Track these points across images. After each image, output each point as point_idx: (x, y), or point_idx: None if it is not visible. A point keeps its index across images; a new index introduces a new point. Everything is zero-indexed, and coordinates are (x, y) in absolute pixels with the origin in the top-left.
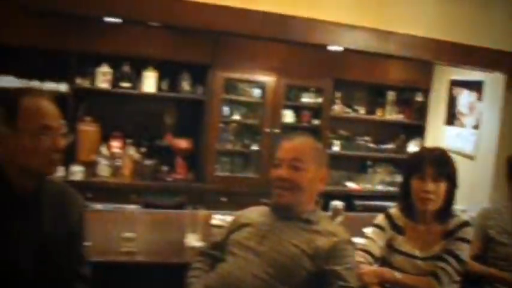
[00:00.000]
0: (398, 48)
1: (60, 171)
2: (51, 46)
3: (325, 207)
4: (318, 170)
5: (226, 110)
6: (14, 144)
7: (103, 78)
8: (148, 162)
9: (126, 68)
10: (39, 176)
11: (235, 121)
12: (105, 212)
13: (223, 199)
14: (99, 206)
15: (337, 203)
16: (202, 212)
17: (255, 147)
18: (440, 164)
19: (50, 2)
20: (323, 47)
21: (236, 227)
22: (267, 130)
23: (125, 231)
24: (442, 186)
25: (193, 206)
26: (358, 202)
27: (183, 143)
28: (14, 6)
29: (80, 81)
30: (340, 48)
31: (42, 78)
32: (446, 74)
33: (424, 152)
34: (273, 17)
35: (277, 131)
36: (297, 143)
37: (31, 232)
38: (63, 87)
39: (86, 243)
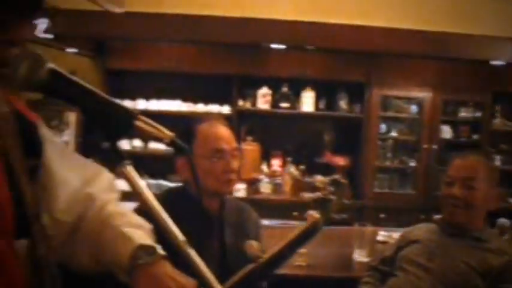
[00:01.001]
0: None
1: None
2: (216, 71)
3: (491, 225)
4: (490, 188)
5: (383, 127)
6: (191, 168)
7: (263, 99)
8: (308, 179)
9: (285, 89)
10: (219, 195)
11: (392, 138)
12: (272, 227)
13: (382, 215)
14: (265, 222)
15: (504, 221)
16: (368, 228)
17: (412, 164)
18: None
19: (222, 36)
20: (484, 62)
21: (405, 243)
22: (425, 146)
23: None
24: None
25: (360, 222)
26: None
27: (341, 160)
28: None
29: (242, 103)
30: (502, 63)
31: (206, 102)
32: None
33: None
34: (432, 35)
35: (435, 147)
36: (470, 162)
37: (215, 245)
38: (226, 109)
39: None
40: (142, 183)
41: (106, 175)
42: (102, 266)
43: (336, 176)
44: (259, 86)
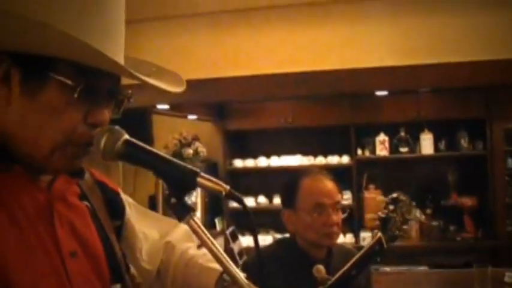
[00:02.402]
0: None
1: (349, 238)
2: (332, 123)
3: None
4: None
5: (510, 161)
6: (295, 221)
7: (381, 146)
8: (434, 222)
9: (402, 134)
10: (323, 247)
11: None
12: (393, 273)
13: None
14: (387, 269)
15: None
16: (491, 270)
17: None
18: None
19: (334, 88)
20: None
21: None
22: None
23: None
24: None
25: (481, 264)
26: None
27: (468, 201)
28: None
29: (361, 152)
30: None
31: (325, 154)
32: None
33: None
34: None
35: None
36: None
37: None
38: (345, 159)
39: None
40: (206, 232)
41: (182, 227)
42: None
43: (395, 195)
44: (376, 133)
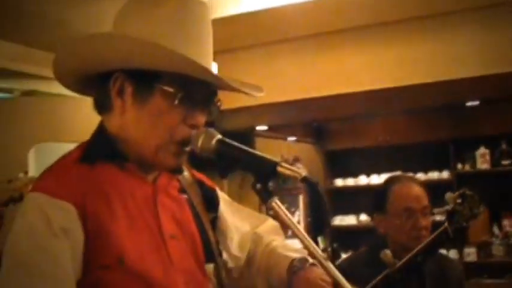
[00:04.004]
0: None
1: (452, 254)
2: (430, 138)
3: None
4: None
5: None
6: (386, 225)
7: (482, 159)
8: None
9: (504, 146)
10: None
11: None
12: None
13: None
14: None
15: None
16: None
17: None
18: None
19: (429, 101)
20: None
21: None
22: None
23: None
24: None
25: None
26: None
27: None
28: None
29: (461, 167)
30: None
31: (426, 170)
32: None
33: None
34: None
35: None
36: None
37: None
38: (445, 174)
39: None
40: (289, 215)
41: (271, 222)
42: None
43: (463, 190)
44: (476, 147)
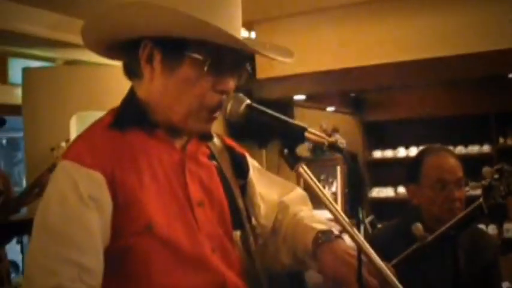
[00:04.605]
0: None
1: (491, 229)
2: (472, 111)
3: None
4: None
5: None
6: (419, 195)
7: None
8: None
9: None
10: (445, 221)
11: None
12: None
13: None
14: None
15: None
16: None
17: None
18: None
19: (472, 72)
20: None
21: None
22: None
23: None
24: None
25: None
26: None
27: None
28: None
29: (503, 141)
30: None
31: (466, 143)
32: None
33: None
34: None
35: None
36: None
37: (447, 267)
38: (486, 148)
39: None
40: (315, 180)
41: (299, 191)
42: (298, 262)
43: (501, 165)
44: None
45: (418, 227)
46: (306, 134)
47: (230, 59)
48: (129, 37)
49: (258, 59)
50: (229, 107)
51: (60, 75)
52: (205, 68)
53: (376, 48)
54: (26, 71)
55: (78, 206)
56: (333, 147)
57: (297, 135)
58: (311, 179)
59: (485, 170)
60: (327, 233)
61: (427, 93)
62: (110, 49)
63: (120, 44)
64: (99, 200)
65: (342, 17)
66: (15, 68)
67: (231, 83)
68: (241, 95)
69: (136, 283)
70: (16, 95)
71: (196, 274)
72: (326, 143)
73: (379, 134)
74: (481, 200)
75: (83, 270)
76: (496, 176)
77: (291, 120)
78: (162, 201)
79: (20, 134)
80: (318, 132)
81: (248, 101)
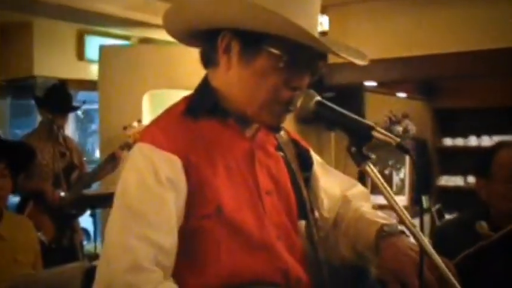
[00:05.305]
0: None
1: None
2: None
3: None
4: None
5: None
6: (489, 190)
7: None
8: None
9: None
10: None
11: None
12: None
13: None
14: None
15: None
16: None
17: None
18: None
19: None
20: None
21: None
22: None
23: None
24: None
25: None
26: None
27: None
28: None
29: None
30: None
31: None
32: None
33: None
34: None
35: None
36: None
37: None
38: None
39: None
40: (380, 178)
41: (360, 187)
42: (358, 256)
43: None
44: None
45: (483, 225)
46: (374, 133)
47: (306, 56)
48: (209, 27)
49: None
50: (299, 102)
51: (135, 54)
52: (281, 64)
53: (447, 35)
54: (102, 48)
55: (157, 187)
56: (401, 147)
57: (364, 133)
58: (377, 177)
59: None
60: (392, 226)
61: (500, 81)
62: (190, 36)
63: (199, 32)
64: (175, 181)
65: (415, 3)
66: (92, 45)
67: (305, 80)
68: (312, 91)
69: (204, 263)
70: (91, 71)
71: (261, 259)
72: (394, 143)
73: (450, 122)
74: None
75: (160, 249)
76: None
77: (359, 118)
78: (232, 187)
79: (94, 106)
80: (385, 132)
81: (318, 98)
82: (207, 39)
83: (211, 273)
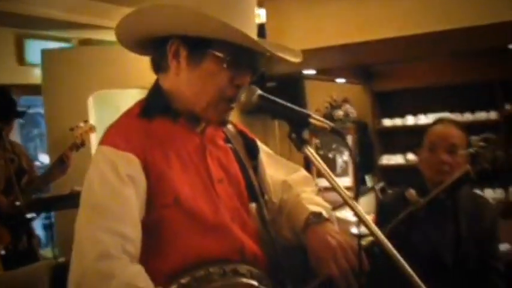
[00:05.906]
0: None
1: (499, 193)
2: (477, 79)
3: None
4: None
5: None
6: (420, 161)
7: None
8: None
9: None
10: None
11: None
12: None
13: None
14: None
15: None
16: None
17: None
18: None
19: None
20: None
21: None
22: None
23: None
24: None
25: None
26: None
27: None
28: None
29: (508, 107)
30: None
31: (473, 110)
32: None
33: None
34: None
35: None
36: None
37: (449, 232)
38: (493, 115)
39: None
40: (320, 160)
41: (302, 172)
42: (297, 237)
43: (486, 134)
44: None
45: (411, 192)
46: (310, 120)
47: (247, 56)
48: (160, 35)
49: (270, 37)
50: (243, 97)
51: (77, 55)
52: (225, 65)
53: (382, 22)
54: (44, 52)
55: (118, 184)
56: (335, 131)
57: (302, 121)
58: (317, 160)
59: (473, 138)
60: (317, 215)
61: (434, 62)
62: (139, 45)
63: (148, 41)
64: (135, 178)
65: None
66: (32, 49)
67: (247, 78)
68: (253, 86)
69: (167, 248)
70: (33, 76)
71: (218, 239)
72: (328, 128)
73: (388, 103)
74: (467, 166)
75: (125, 239)
76: (482, 144)
77: (297, 108)
78: (187, 179)
79: (36, 111)
80: (321, 118)
81: (260, 92)
82: (156, 47)
83: (174, 257)
